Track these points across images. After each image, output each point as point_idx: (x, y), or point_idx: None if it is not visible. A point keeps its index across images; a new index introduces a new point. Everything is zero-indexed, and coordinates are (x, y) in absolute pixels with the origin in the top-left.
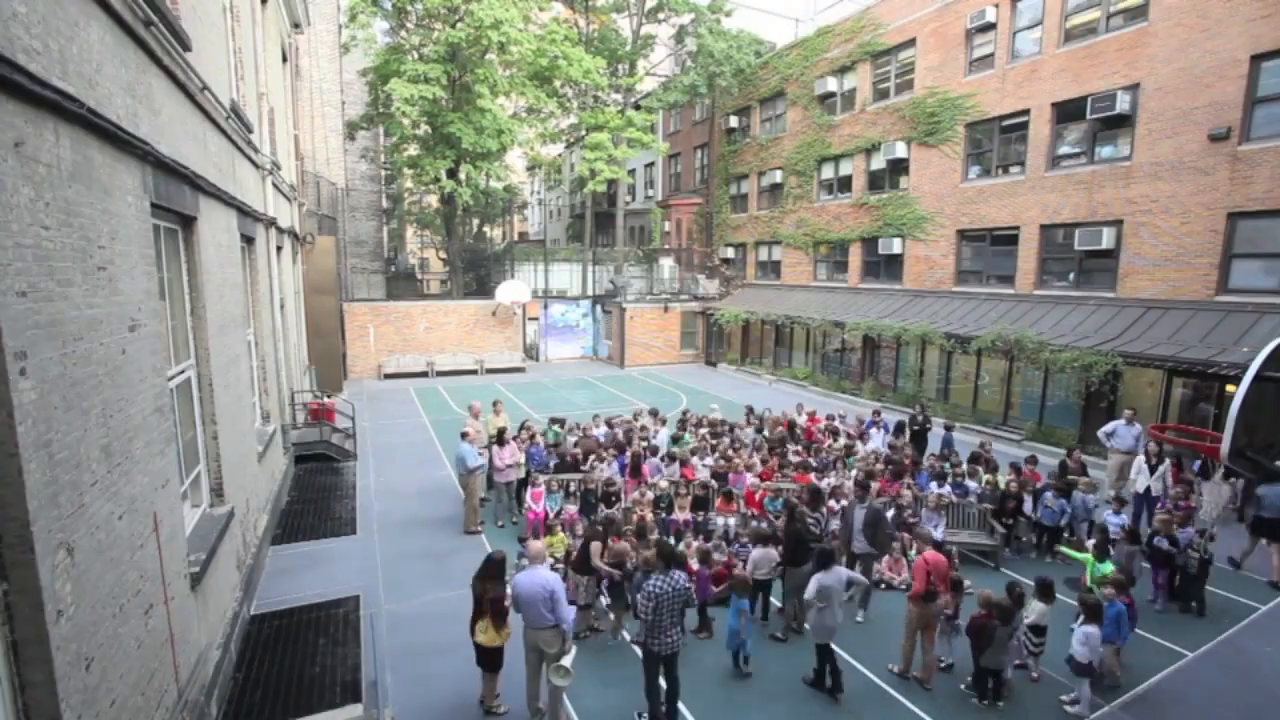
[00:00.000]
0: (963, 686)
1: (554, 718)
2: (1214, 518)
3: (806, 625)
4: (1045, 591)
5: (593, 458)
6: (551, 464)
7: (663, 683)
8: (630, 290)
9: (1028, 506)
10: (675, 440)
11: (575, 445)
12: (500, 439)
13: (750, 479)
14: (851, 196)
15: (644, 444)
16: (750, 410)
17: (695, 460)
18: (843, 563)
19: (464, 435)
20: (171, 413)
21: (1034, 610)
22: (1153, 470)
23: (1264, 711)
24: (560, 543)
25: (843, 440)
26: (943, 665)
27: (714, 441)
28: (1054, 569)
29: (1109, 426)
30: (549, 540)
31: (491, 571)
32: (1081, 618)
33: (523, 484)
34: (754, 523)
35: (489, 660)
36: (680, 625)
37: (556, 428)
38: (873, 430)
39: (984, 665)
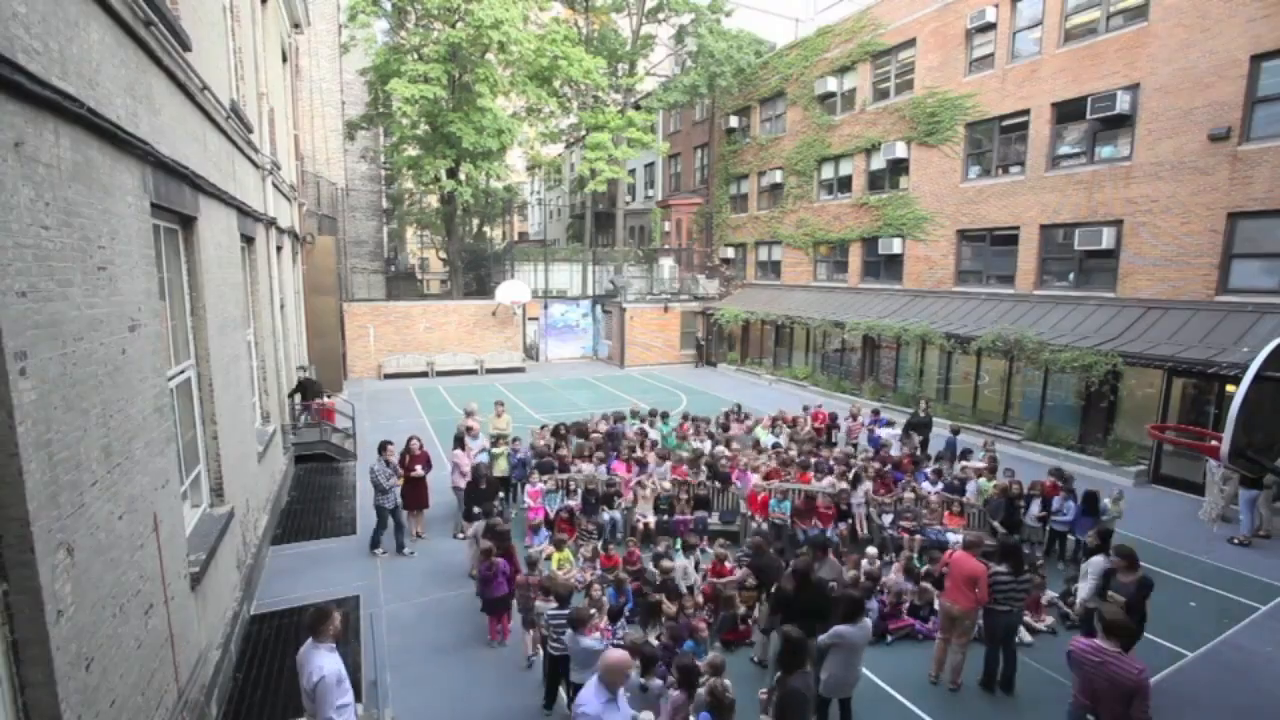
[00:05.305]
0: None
1: None
2: (1213, 518)
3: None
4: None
5: (579, 459)
6: (532, 463)
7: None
8: (630, 290)
9: (1033, 511)
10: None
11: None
12: (460, 442)
13: (755, 479)
14: (851, 196)
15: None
16: (738, 409)
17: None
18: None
19: (469, 430)
20: (171, 413)
21: None
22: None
23: (1263, 712)
24: (566, 560)
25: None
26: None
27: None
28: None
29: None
30: (558, 557)
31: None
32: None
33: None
34: (754, 524)
35: (411, 498)
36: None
37: (579, 439)
38: (878, 430)
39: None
